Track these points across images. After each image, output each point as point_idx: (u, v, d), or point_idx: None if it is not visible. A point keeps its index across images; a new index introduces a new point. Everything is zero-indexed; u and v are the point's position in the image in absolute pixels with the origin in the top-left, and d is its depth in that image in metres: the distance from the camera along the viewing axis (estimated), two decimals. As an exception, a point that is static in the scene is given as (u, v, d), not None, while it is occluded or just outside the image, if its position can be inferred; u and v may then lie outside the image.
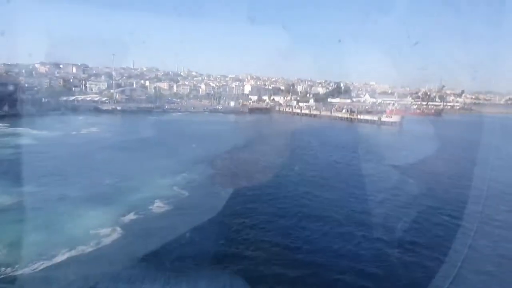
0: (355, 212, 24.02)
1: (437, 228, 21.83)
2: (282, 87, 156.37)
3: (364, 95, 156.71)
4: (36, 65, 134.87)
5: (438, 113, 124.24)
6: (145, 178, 28.88)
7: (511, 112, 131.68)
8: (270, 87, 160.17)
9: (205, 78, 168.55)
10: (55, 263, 16.03)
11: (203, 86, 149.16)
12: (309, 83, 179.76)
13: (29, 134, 48.59)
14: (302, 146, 51.00)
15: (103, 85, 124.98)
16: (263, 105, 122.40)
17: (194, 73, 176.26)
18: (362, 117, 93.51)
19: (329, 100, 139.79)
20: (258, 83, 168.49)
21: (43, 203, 22.62)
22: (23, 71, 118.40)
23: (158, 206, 22.74)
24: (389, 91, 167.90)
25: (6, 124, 55.49)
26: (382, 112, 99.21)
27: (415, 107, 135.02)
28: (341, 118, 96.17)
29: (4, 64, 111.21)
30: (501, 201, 27.34)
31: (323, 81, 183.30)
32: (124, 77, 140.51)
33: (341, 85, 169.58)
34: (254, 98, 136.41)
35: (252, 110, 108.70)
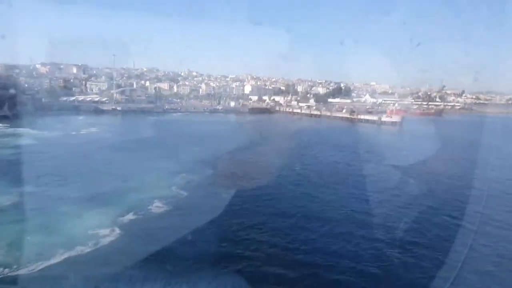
0: (354, 213, 23.95)
1: (438, 229, 21.75)
2: (283, 87, 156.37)
3: (365, 95, 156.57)
4: (37, 66, 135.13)
5: (439, 113, 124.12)
6: (144, 179, 28.86)
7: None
8: (270, 87, 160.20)
9: (206, 78, 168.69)
10: (53, 263, 16.01)
11: (203, 86, 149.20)
12: (309, 83, 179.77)
13: (29, 134, 48.59)
14: (302, 146, 50.95)
15: (103, 86, 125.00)
16: (263, 105, 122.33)
17: (194, 74, 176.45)
18: (362, 117, 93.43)
19: (330, 100, 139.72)
20: (259, 83, 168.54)
21: (42, 203, 22.61)
22: (24, 71, 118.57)
23: (157, 206, 22.71)
24: (390, 91, 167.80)
25: (6, 125, 55.46)
26: (382, 112, 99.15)
27: (415, 107, 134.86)
28: (341, 118, 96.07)
29: (4, 64, 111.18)
30: (501, 201, 27.28)
31: (324, 81, 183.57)
32: (124, 78, 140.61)
33: (342, 85, 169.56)
34: (255, 98, 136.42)
35: (252, 110, 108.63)
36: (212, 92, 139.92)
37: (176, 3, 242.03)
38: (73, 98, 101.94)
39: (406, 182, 31.83)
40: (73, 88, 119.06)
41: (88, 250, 17.20)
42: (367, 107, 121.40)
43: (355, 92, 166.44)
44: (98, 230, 18.99)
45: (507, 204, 26.90)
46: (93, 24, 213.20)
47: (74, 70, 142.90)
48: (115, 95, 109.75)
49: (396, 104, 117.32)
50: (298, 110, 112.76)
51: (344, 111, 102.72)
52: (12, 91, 70.70)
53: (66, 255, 16.52)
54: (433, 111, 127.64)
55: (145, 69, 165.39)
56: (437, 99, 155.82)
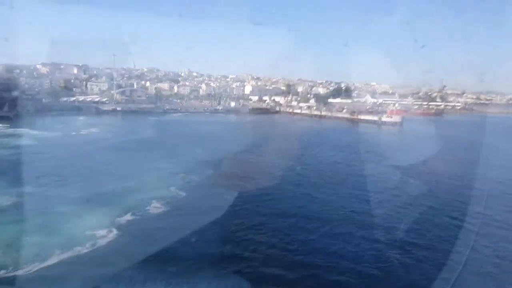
0: (355, 213, 23.86)
1: (438, 229, 21.62)
2: (283, 88, 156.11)
3: (365, 96, 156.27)
4: (37, 66, 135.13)
5: (439, 113, 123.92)
6: (143, 179, 28.79)
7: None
8: (271, 88, 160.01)
9: (206, 78, 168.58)
10: (52, 264, 15.95)
11: (203, 87, 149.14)
12: (310, 83, 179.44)
13: (29, 135, 48.59)
14: (302, 146, 50.79)
15: (104, 86, 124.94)
16: (264, 105, 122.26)
17: (195, 74, 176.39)
18: (362, 117, 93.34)
19: (330, 100, 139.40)
20: (259, 83, 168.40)
21: (42, 203, 22.55)
22: (24, 72, 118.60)
23: (155, 207, 22.62)
24: (390, 92, 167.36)
25: (6, 125, 55.46)
26: (383, 112, 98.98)
27: (416, 107, 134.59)
28: (341, 119, 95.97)
29: (5, 65, 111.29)
30: (502, 201, 27.15)
31: (324, 81, 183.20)
32: (125, 78, 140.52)
33: (342, 85, 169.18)
34: (255, 98, 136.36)
35: (253, 111, 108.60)
36: (213, 92, 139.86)
37: (176, 3, 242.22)
38: (74, 98, 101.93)
39: (406, 182, 31.72)
40: (74, 89, 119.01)
41: (87, 250, 17.13)
42: (368, 107, 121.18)
43: (356, 92, 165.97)
44: (96, 230, 18.90)
45: (508, 204, 26.76)
46: (93, 24, 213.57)
47: (75, 71, 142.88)
48: (115, 95, 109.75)
49: (397, 104, 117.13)
50: (299, 111, 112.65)
51: (344, 111, 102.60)
52: (12, 91, 70.78)
53: (65, 256, 16.45)
54: (433, 111, 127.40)
55: (145, 70, 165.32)
56: (438, 99, 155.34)
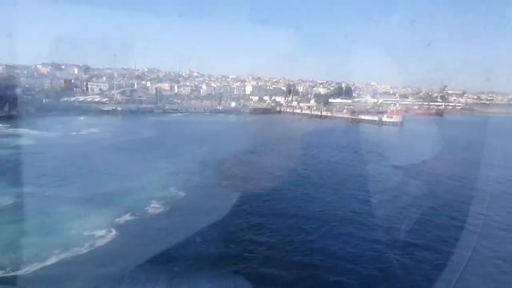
0: (354, 213, 23.74)
1: (439, 230, 21.46)
2: (284, 88, 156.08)
3: (366, 96, 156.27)
4: (38, 66, 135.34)
5: (440, 113, 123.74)
6: (143, 179, 28.74)
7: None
8: (271, 88, 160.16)
9: (207, 78, 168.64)
10: (52, 264, 15.87)
11: (204, 87, 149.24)
12: (310, 83, 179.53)
13: (28, 135, 48.60)
14: (302, 146, 50.73)
15: (104, 86, 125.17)
16: (264, 105, 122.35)
17: (195, 74, 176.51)
18: (363, 117, 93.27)
19: (330, 100, 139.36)
20: (260, 83, 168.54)
21: (41, 203, 22.53)
22: (25, 72, 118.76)
23: (154, 207, 22.53)
24: (391, 92, 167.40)
25: (6, 125, 55.52)
26: (383, 112, 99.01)
27: (416, 107, 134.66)
28: (342, 119, 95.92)
29: (6, 65, 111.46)
30: (503, 202, 27.05)
31: (325, 81, 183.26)
32: (125, 78, 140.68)
33: (343, 85, 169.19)
34: (255, 98, 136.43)
35: (253, 111, 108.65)
36: (213, 92, 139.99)
37: (176, 3, 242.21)
38: (74, 98, 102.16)
39: (406, 182, 31.59)
40: (74, 89, 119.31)
41: (85, 251, 17.05)
42: (368, 107, 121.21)
43: (356, 92, 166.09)
44: (95, 231, 18.82)
45: (510, 205, 26.68)
46: (94, 24, 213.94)
47: (75, 71, 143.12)
48: (115, 95, 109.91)
49: (397, 104, 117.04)
50: (299, 111, 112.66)
51: (345, 111, 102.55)
52: (12, 91, 70.85)
53: (63, 256, 16.37)
54: (434, 111, 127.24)
55: (146, 70, 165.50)
56: (438, 99, 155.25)
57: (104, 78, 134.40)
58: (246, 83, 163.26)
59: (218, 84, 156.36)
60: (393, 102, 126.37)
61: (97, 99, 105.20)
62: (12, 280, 14.61)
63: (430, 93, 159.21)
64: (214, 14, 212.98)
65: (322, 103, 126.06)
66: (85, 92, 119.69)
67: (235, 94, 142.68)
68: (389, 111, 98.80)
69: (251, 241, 19.13)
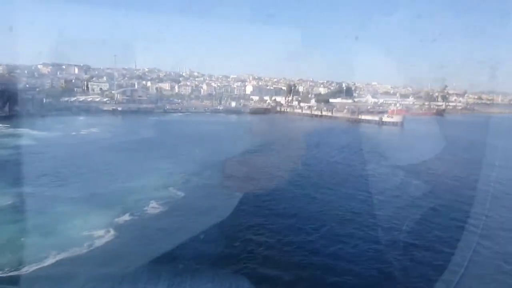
0: (354, 214, 23.69)
1: (439, 231, 21.32)
2: (284, 88, 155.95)
3: (366, 96, 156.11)
4: (39, 66, 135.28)
5: (440, 113, 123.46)
6: (142, 179, 28.68)
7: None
8: (272, 88, 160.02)
9: (207, 78, 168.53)
10: (48, 264, 15.86)
11: (204, 87, 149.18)
12: (310, 83, 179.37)
13: (28, 135, 48.59)
14: (302, 146, 50.64)
15: (105, 86, 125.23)
16: (265, 105, 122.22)
17: (196, 74, 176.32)
18: (363, 117, 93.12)
19: (331, 100, 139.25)
20: (260, 83, 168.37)
21: (40, 203, 22.51)
22: (25, 72, 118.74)
23: (153, 207, 22.52)
24: (391, 91, 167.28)
25: (6, 125, 55.57)
26: (383, 112, 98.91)
27: (417, 107, 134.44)
28: (342, 119, 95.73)
29: (6, 65, 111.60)
30: (504, 202, 26.96)
31: (325, 81, 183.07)
32: (126, 78, 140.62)
33: (343, 85, 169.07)
34: (256, 98, 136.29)
35: (253, 111, 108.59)
36: (214, 92, 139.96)
37: (176, 3, 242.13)
38: (74, 98, 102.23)
39: (407, 182, 31.52)
40: (75, 89, 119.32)
41: (84, 251, 17.05)
42: (369, 107, 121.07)
43: (357, 92, 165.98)
44: (94, 231, 18.83)
45: (511, 205, 26.59)
46: (94, 24, 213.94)
47: (76, 71, 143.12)
48: (116, 95, 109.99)
49: (398, 104, 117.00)
50: (299, 110, 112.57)
51: (345, 111, 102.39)
52: (13, 91, 70.97)
53: (63, 256, 16.38)
54: (434, 111, 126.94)
55: (146, 70, 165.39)
56: (439, 99, 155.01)
57: (104, 78, 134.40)
58: (246, 83, 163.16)
59: (218, 84, 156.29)
60: (394, 102, 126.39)
61: (97, 99, 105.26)
62: (11, 280, 14.58)
63: (431, 93, 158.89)
64: (215, 14, 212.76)
65: (322, 103, 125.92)
66: (85, 92, 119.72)
67: (236, 94, 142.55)
68: (389, 111, 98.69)
69: (251, 241, 19.09)
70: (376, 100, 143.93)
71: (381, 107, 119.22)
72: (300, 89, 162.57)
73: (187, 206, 23.64)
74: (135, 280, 14.72)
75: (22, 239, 17.86)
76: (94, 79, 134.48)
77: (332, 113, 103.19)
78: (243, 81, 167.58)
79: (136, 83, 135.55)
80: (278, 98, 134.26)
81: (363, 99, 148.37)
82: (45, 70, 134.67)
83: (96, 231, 18.76)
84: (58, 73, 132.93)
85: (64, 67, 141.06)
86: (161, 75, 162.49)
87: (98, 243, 17.74)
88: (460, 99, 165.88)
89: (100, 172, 31.46)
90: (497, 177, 32.22)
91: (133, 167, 33.61)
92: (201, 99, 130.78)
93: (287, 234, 20.33)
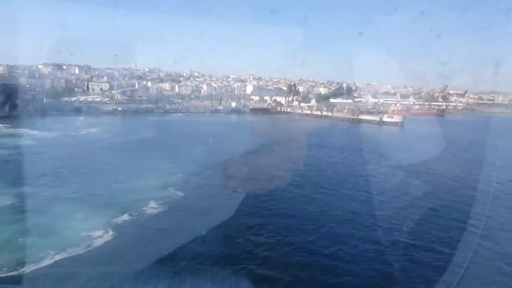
0: (354, 214, 23.61)
1: (439, 231, 21.27)
2: (284, 88, 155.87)
3: (367, 96, 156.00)
4: (39, 66, 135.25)
5: (441, 113, 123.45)
6: (142, 179, 28.60)
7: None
8: (272, 88, 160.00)
9: (207, 78, 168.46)
10: (47, 264, 15.86)
11: (205, 87, 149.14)
12: (311, 83, 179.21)
13: (28, 135, 48.57)
14: (302, 146, 50.55)
15: (105, 86, 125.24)
16: (265, 105, 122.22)
17: (196, 74, 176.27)
18: (363, 117, 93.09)
19: (331, 100, 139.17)
20: (260, 83, 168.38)
21: (39, 204, 22.44)
22: (26, 72, 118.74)
23: (152, 207, 22.48)
24: (392, 92, 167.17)
25: (6, 125, 55.50)
26: (384, 112, 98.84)
27: (417, 107, 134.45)
28: (342, 119, 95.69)
29: (7, 65, 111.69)
30: (505, 202, 26.86)
31: (326, 81, 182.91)
32: (126, 78, 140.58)
33: (344, 85, 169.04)
34: (256, 98, 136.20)
35: (254, 111, 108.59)
36: (214, 92, 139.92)
37: (177, 3, 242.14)
38: (75, 98, 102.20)
39: (407, 183, 31.44)
40: (75, 89, 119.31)
41: (83, 251, 17.03)
42: (369, 107, 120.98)
43: (357, 92, 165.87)
44: (92, 231, 18.81)
45: (511, 205, 26.49)
46: (95, 24, 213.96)
47: (76, 71, 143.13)
48: (116, 95, 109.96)
49: (398, 105, 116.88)
50: (299, 111, 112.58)
51: (345, 111, 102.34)
52: (13, 91, 70.94)
53: (61, 256, 16.39)
54: (435, 111, 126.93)
55: (147, 70, 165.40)
56: (440, 99, 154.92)
57: (105, 78, 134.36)
58: (247, 83, 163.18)
59: (219, 84, 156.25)
60: (394, 102, 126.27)
61: (98, 99, 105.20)
62: (10, 280, 14.52)
63: (431, 93, 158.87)
64: (215, 14, 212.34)
65: (322, 103, 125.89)
66: (86, 92, 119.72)
67: (236, 94, 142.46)
68: (389, 111, 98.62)
69: (250, 242, 19.04)
70: (376, 100, 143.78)
71: (381, 107, 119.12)
72: (301, 89, 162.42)
73: (186, 206, 23.57)
74: (135, 280, 14.64)
75: (21, 239, 17.83)
76: (94, 79, 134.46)
77: (332, 113, 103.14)
78: (244, 81, 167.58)
79: (136, 83, 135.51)
80: (279, 98, 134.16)
81: (364, 99, 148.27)
82: (45, 70, 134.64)
83: (94, 231, 18.72)
84: (58, 73, 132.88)
85: (64, 67, 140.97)
86: (162, 75, 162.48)
87: (96, 243, 17.71)
88: (461, 99, 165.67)
89: (100, 172, 31.39)
90: (497, 177, 32.12)
91: (132, 167, 33.51)
92: (202, 99, 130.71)
93: (287, 234, 20.27)
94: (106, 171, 31.84)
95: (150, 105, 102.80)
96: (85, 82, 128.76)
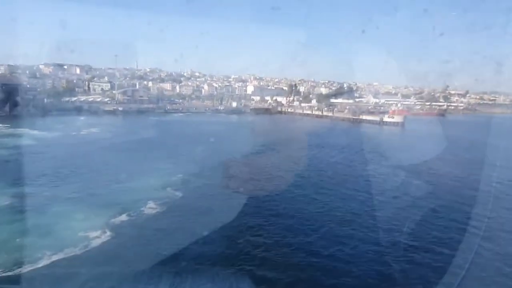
0: (354, 215, 23.54)
1: (440, 232, 21.17)
2: (285, 88, 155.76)
3: (367, 96, 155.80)
4: (40, 66, 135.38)
5: (442, 113, 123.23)
6: (142, 179, 28.53)
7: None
8: (273, 88, 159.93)
9: (208, 78, 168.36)
10: (46, 264, 15.84)
11: (206, 87, 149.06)
12: (312, 83, 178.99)
13: (28, 135, 48.56)
14: (303, 146, 50.47)
15: (106, 86, 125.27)
16: (265, 105, 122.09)
17: (197, 74, 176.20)
18: (364, 117, 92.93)
19: (332, 100, 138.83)
20: (261, 83, 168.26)
21: (39, 204, 22.41)
22: (27, 72, 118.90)
23: (150, 208, 22.44)
24: (393, 92, 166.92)
25: (6, 125, 55.51)
26: (384, 112, 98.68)
27: (418, 107, 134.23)
28: (343, 119, 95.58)
29: (8, 65, 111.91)
30: (506, 203, 26.74)
31: (327, 81, 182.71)
32: (127, 78, 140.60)
33: (345, 85, 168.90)
34: (257, 98, 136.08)
35: (254, 111, 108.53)
36: (215, 92, 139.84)
37: (177, 3, 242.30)
38: (76, 98, 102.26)
39: (407, 183, 31.32)
40: (76, 89, 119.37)
41: (80, 251, 16.99)
42: (370, 107, 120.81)
43: (358, 92, 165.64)
44: (91, 231, 18.77)
45: (510, 206, 26.37)
46: (96, 24, 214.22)
47: (77, 71, 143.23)
48: (117, 95, 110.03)
49: (399, 105, 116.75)
50: (300, 111, 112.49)
51: (346, 111, 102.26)
52: (14, 91, 71.01)
53: (60, 256, 16.36)
54: (436, 111, 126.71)
55: (148, 70, 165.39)
56: (441, 100, 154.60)
57: (106, 78, 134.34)
58: (247, 83, 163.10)
59: (219, 84, 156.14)
60: (395, 102, 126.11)
61: (98, 99, 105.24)
62: (8, 280, 14.50)
63: (432, 93, 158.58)
64: (216, 14, 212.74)
65: (323, 103, 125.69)
66: (87, 92, 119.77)
67: (237, 94, 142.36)
68: (390, 111, 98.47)
69: (250, 242, 18.98)
70: (377, 100, 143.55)
71: (382, 107, 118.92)
72: (301, 89, 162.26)
73: (186, 206, 23.51)
74: (134, 281, 14.59)
75: (19, 239, 17.80)
76: (95, 79, 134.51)
77: (333, 113, 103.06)
78: (244, 81, 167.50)
79: (137, 83, 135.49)
80: (279, 98, 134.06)
81: (364, 99, 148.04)
82: (46, 70, 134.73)
83: (93, 232, 18.69)
84: (59, 73, 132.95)
85: (65, 67, 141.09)
86: (163, 75, 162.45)
87: (94, 243, 17.68)
88: (462, 99, 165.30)
89: (100, 172, 31.37)
90: (498, 178, 31.97)
91: (132, 167, 33.43)
92: (202, 99, 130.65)
93: (286, 235, 20.21)
94: (106, 171, 31.81)
95: (151, 105, 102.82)
96: (86, 82, 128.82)
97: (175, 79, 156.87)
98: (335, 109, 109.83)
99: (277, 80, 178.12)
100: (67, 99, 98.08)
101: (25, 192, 23.86)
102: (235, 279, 15.24)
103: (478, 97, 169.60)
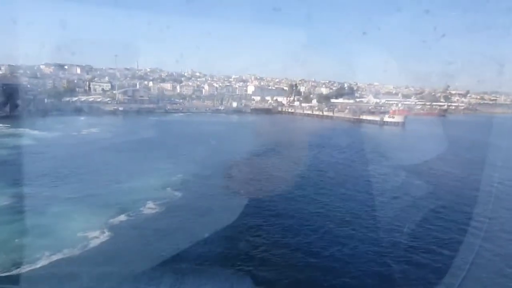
0: (354, 215, 23.47)
1: (440, 232, 21.10)
2: (286, 88, 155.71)
3: (368, 96, 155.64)
4: (41, 66, 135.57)
5: (442, 113, 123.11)
6: (141, 180, 28.52)
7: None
8: (273, 88, 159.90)
9: (209, 78, 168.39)
10: (45, 264, 15.81)
11: (206, 87, 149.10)
12: (312, 83, 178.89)
13: (28, 135, 48.56)
14: (303, 147, 50.46)
15: (107, 86, 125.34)
16: (266, 105, 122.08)
17: (197, 74, 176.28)
18: (365, 117, 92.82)
19: (333, 100, 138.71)
20: (262, 83, 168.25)
21: (38, 204, 22.41)
22: (28, 72, 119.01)
23: (149, 208, 22.41)
24: (393, 92, 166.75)
25: (6, 125, 55.51)
26: (385, 112, 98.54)
27: (419, 107, 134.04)
28: (344, 119, 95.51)
29: (9, 65, 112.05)
30: (507, 203, 26.66)
31: (327, 81, 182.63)
32: (127, 78, 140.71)
33: (345, 85, 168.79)
34: (257, 98, 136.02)
35: (255, 111, 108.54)
36: (215, 92, 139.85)
37: (177, 3, 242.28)
38: (76, 98, 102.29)
39: (408, 183, 31.25)
40: (77, 89, 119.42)
41: (79, 252, 16.96)
42: (370, 107, 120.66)
43: (359, 92, 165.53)
44: (90, 231, 18.75)
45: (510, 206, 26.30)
46: (97, 24, 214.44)
47: (78, 71, 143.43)
48: (117, 95, 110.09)
49: (399, 105, 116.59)
50: (301, 111, 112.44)
51: (347, 111, 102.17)
52: (14, 91, 71.01)
53: (59, 257, 16.34)
54: (436, 111, 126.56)
55: (148, 70, 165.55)
56: (441, 100, 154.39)
57: (106, 78, 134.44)
58: (248, 83, 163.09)
59: (220, 84, 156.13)
60: (396, 102, 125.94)
61: (99, 99, 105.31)
62: (8, 280, 14.47)
63: (433, 93, 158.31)
64: (217, 14, 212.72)
65: (324, 103, 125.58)
66: (87, 92, 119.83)
67: (237, 94, 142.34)
68: (391, 111, 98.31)
69: (250, 242, 18.94)
70: (378, 100, 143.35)
71: (382, 108, 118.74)
72: (302, 89, 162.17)
73: (185, 207, 23.47)
74: (134, 281, 14.55)
75: (19, 239, 17.78)
76: (96, 79, 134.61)
77: (333, 113, 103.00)
78: (245, 81, 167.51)
79: (138, 83, 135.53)
80: (280, 98, 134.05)
81: (365, 99, 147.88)
82: (47, 70, 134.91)
83: (92, 232, 18.66)
84: (60, 73, 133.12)
85: (66, 67, 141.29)
86: (163, 75, 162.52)
87: (93, 243, 17.65)
88: (463, 99, 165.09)
89: (100, 172, 31.35)
90: (499, 178, 31.86)
91: (133, 168, 33.45)
92: (203, 99, 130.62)
93: (286, 235, 20.17)
94: (106, 171, 31.79)
95: (151, 105, 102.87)
96: (87, 82, 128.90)
97: (176, 79, 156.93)
98: (336, 109, 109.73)
99: (277, 80, 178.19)
100: (67, 99, 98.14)
101: (24, 192, 23.83)
102: (235, 279, 15.23)
103: (478, 97, 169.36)
